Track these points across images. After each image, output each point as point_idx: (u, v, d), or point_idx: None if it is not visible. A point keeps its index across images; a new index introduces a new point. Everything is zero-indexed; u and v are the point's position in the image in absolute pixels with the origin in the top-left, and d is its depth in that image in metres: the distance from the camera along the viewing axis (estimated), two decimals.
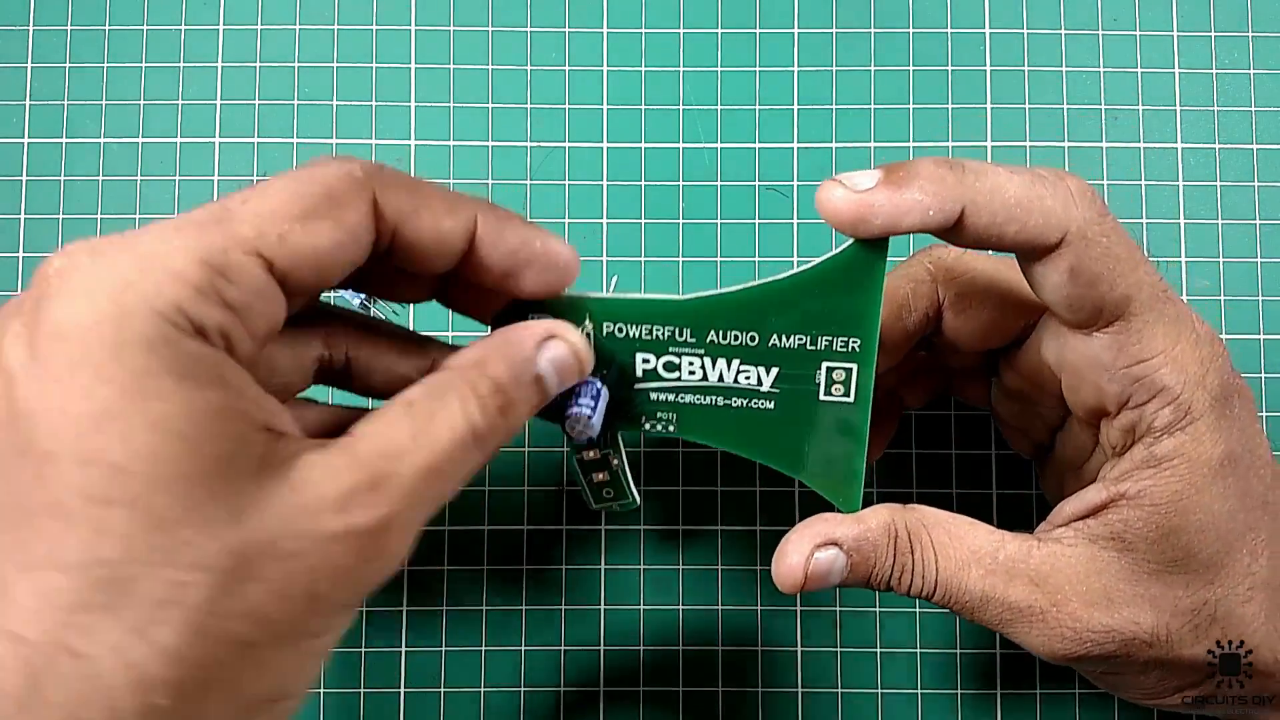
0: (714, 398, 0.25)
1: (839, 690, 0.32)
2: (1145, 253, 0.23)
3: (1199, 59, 0.34)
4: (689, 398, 0.25)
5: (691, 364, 0.24)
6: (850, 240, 0.23)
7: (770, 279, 0.23)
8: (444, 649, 0.32)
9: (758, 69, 0.34)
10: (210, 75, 0.33)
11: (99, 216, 0.33)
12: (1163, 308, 0.23)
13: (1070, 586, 0.24)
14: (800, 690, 0.32)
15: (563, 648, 0.32)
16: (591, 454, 0.26)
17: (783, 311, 0.23)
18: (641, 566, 0.32)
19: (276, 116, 0.33)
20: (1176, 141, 0.33)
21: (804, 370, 0.24)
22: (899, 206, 0.22)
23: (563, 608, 0.32)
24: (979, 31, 0.34)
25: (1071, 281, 0.23)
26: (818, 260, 0.23)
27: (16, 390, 0.17)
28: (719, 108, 0.33)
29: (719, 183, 0.33)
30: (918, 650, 0.32)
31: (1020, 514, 0.32)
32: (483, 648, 0.32)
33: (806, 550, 0.24)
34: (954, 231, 0.22)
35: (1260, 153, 0.33)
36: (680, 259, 0.33)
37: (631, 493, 0.27)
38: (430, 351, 0.25)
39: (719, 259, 0.33)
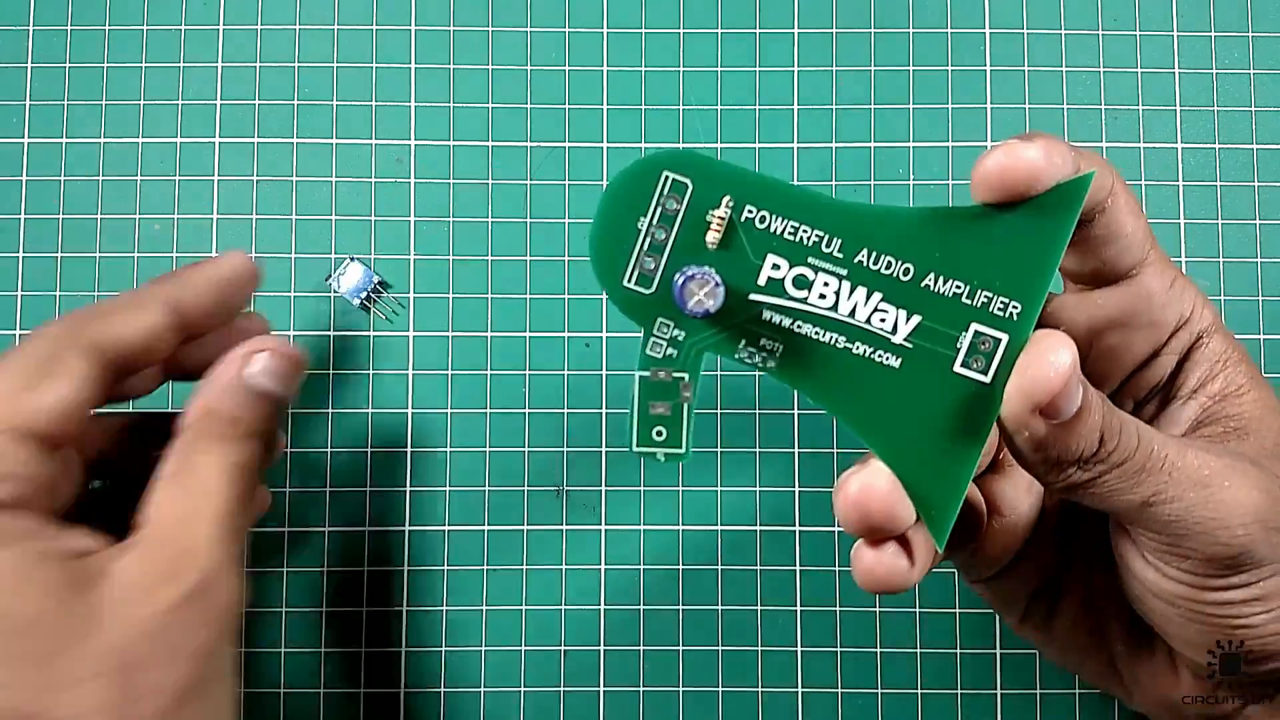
0: (835, 336, 0.21)
1: (839, 690, 0.32)
2: None
3: (1199, 59, 0.34)
4: (806, 328, 0.21)
5: (826, 285, 0.21)
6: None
7: (950, 205, 0.21)
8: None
9: (758, 69, 0.34)
10: (210, 75, 0.33)
11: (99, 216, 0.33)
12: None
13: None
14: (800, 690, 0.32)
15: (562, 646, 0.32)
16: (664, 374, 0.22)
17: (951, 247, 0.20)
18: (641, 568, 0.32)
19: (276, 116, 0.33)
20: (1176, 141, 0.33)
21: (948, 327, 0.21)
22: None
23: (561, 608, 0.32)
24: (979, 31, 0.34)
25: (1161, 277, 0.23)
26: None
27: None
28: (719, 108, 0.33)
29: None
30: (918, 650, 0.32)
31: None
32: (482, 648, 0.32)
33: (1069, 351, 0.20)
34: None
35: (1260, 153, 0.33)
36: None
37: (687, 440, 0.22)
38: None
39: None
